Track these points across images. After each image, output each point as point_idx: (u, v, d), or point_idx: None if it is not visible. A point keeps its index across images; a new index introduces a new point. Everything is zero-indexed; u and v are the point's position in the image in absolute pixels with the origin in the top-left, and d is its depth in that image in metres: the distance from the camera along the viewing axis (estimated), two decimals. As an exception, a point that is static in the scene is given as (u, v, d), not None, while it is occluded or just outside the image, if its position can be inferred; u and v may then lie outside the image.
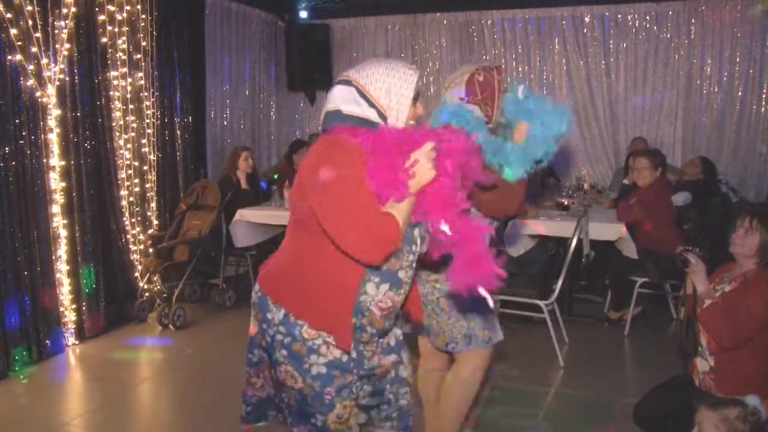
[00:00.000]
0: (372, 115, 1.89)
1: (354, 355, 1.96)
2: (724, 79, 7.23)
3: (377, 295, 1.93)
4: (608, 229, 5.02)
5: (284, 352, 1.94)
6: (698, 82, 7.35)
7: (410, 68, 1.94)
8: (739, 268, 2.88)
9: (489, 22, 7.93)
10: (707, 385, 2.88)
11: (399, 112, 1.91)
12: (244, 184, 6.05)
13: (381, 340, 2.09)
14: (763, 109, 7.10)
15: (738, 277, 2.85)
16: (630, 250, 4.97)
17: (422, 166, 1.83)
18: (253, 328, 2.08)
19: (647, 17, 7.42)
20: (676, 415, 2.81)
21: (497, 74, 2.66)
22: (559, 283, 4.33)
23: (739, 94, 7.17)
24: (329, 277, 1.90)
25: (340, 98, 1.92)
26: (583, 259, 4.87)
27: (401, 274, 1.97)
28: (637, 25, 7.47)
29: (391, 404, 2.15)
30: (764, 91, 7.08)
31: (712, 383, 2.85)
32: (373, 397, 2.08)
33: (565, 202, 5.44)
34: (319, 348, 1.92)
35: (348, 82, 1.93)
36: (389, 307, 1.98)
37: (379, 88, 1.90)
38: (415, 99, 1.94)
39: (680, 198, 5.43)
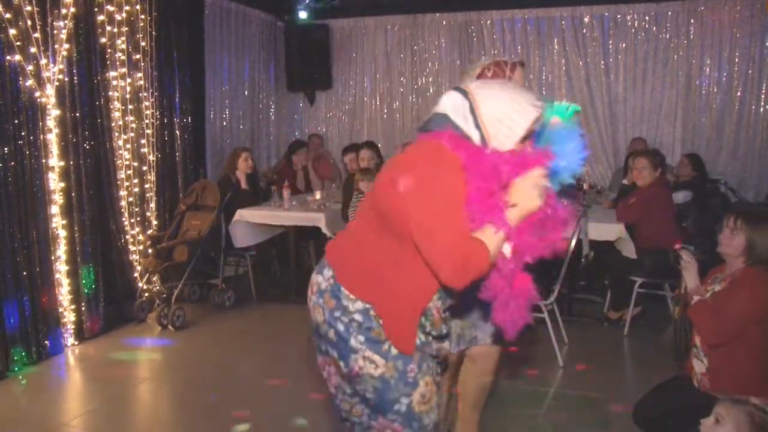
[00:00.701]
0: (474, 135, 1.80)
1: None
2: (723, 79, 7.26)
3: (437, 300, 1.92)
4: (607, 230, 5.02)
5: (361, 337, 1.87)
6: (697, 82, 7.37)
7: (535, 105, 1.83)
8: (729, 268, 2.90)
9: (488, 22, 7.95)
10: (705, 385, 2.88)
11: (502, 145, 1.81)
12: (243, 185, 6.05)
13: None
14: (762, 109, 7.12)
15: (728, 277, 2.86)
16: (629, 250, 4.97)
17: (527, 195, 1.77)
18: (318, 315, 1.96)
19: (646, 17, 7.44)
20: (675, 415, 2.81)
21: (510, 71, 2.50)
22: (559, 283, 4.33)
23: (738, 94, 7.19)
24: (409, 285, 1.85)
25: (452, 105, 1.84)
26: (583, 260, 4.87)
27: None
28: (636, 25, 7.49)
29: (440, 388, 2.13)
30: (763, 91, 7.10)
31: (708, 384, 2.85)
32: (438, 375, 2.03)
33: (565, 203, 5.42)
34: None
35: (465, 93, 1.84)
36: (444, 312, 1.97)
37: (492, 114, 1.80)
38: (526, 138, 1.84)
39: (680, 196, 5.44)
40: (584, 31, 7.62)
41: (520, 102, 1.81)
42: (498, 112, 1.80)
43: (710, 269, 3.05)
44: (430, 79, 8.28)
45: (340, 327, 1.89)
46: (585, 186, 6.39)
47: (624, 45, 7.53)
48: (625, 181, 5.79)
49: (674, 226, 4.92)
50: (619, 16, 7.51)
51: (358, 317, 1.87)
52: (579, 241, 4.54)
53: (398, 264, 1.86)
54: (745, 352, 2.76)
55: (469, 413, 2.97)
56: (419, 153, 1.83)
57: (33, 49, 4.37)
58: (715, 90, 7.31)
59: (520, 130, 1.81)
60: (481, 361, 2.80)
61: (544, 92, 7.88)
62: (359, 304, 1.87)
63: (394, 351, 1.86)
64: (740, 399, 2.28)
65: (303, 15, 8.27)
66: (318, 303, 1.97)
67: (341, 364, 1.93)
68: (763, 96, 7.11)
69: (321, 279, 1.98)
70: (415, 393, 1.89)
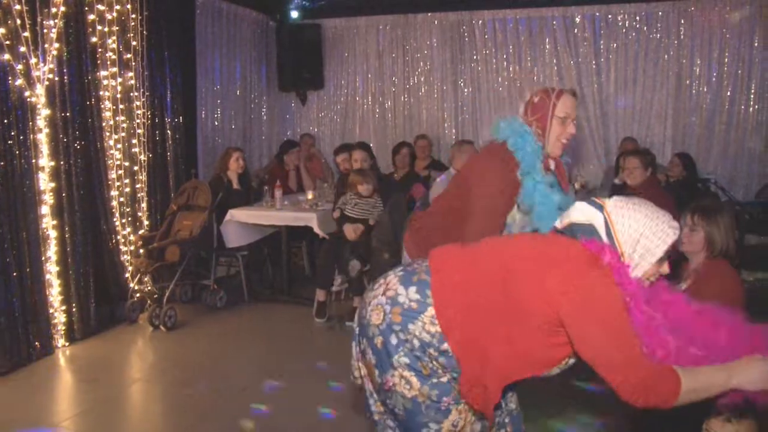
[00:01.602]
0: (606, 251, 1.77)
1: None
2: (713, 79, 7.29)
3: None
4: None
5: (406, 360, 1.84)
6: (687, 82, 7.41)
7: (672, 226, 1.81)
8: (691, 265, 2.93)
9: (480, 22, 7.96)
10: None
11: (638, 267, 1.80)
12: (235, 185, 6.03)
13: None
14: (751, 108, 7.17)
15: (691, 273, 2.89)
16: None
17: (753, 378, 1.70)
18: (376, 318, 1.90)
19: (637, 17, 7.47)
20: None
21: (556, 98, 2.52)
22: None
23: (728, 94, 7.24)
24: (512, 363, 1.82)
25: (593, 218, 1.82)
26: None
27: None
28: (627, 25, 7.51)
29: (502, 409, 2.07)
30: (753, 91, 7.15)
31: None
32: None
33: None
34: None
35: (601, 208, 1.83)
36: None
37: (629, 234, 1.78)
38: (663, 259, 1.82)
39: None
40: (575, 31, 7.64)
41: (658, 222, 1.79)
42: (635, 234, 1.78)
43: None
44: (422, 79, 8.26)
45: (393, 340, 1.85)
46: (577, 185, 6.41)
47: (615, 45, 7.56)
48: (616, 181, 5.81)
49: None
50: (610, 16, 7.53)
51: (417, 343, 1.83)
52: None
53: (510, 341, 1.80)
54: None
55: None
56: (586, 279, 1.73)
57: (22, 48, 4.34)
58: (705, 90, 7.35)
59: (658, 252, 1.79)
60: None
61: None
62: (434, 339, 1.82)
63: (434, 379, 1.83)
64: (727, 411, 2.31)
65: (295, 14, 8.25)
66: (383, 306, 1.91)
67: (376, 372, 1.90)
68: (752, 96, 7.16)
69: (403, 291, 1.91)
70: (446, 422, 1.85)
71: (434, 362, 1.84)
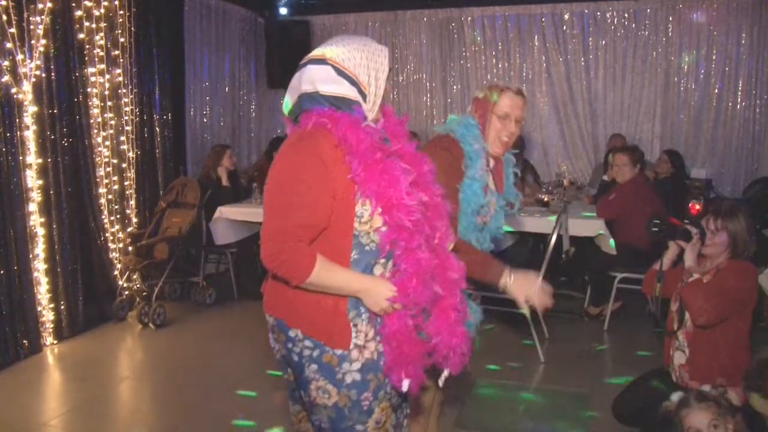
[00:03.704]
0: (352, 93, 1.80)
1: (380, 349, 1.86)
2: (701, 76, 7.34)
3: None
4: (588, 225, 5.06)
5: (314, 366, 1.83)
6: (676, 79, 7.46)
7: (378, 44, 1.88)
8: (711, 262, 2.94)
9: (469, 19, 7.98)
10: (684, 377, 2.92)
11: (377, 88, 1.84)
12: (225, 182, 6.02)
13: None
14: (738, 105, 7.23)
15: (711, 269, 2.91)
16: (609, 246, 5.01)
17: (374, 302, 1.79)
18: (280, 349, 1.94)
19: (626, 15, 7.51)
20: (654, 409, 2.85)
21: (498, 96, 2.50)
22: (539, 279, 4.34)
23: (716, 91, 7.29)
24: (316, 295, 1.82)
25: (318, 78, 1.81)
26: (563, 255, 4.91)
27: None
28: (615, 22, 7.55)
29: (409, 401, 2.09)
30: (740, 88, 7.21)
31: (687, 375, 2.90)
32: (398, 396, 1.97)
33: (545, 199, 5.47)
34: (350, 353, 1.82)
35: (322, 61, 1.82)
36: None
37: (358, 65, 1.81)
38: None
39: None
40: (564, 28, 7.67)
41: (370, 44, 1.85)
42: (362, 61, 1.82)
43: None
44: (412, 76, 8.28)
45: (295, 358, 1.87)
46: (565, 182, 6.44)
47: (604, 42, 7.59)
48: (605, 178, 5.84)
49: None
50: (598, 14, 7.57)
51: (308, 343, 1.83)
52: (559, 237, 4.57)
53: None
54: (725, 343, 2.84)
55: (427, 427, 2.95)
56: (288, 143, 1.82)
57: (9, 45, 4.31)
58: (693, 87, 7.40)
59: (385, 67, 1.85)
60: None
61: (524, 88, 7.91)
62: (299, 333, 1.84)
63: (347, 379, 1.83)
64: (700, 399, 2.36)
65: (283, 11, 8.23)
66: (273, 338, 1.95)
67: (302, 392, 1.93)
68: (740, 93, 7.21)
69: (267, 315, 1.95)
70: (370, 420, 1.86)
71: (317, 341, 1.84)
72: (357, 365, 1.83)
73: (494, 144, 2.52)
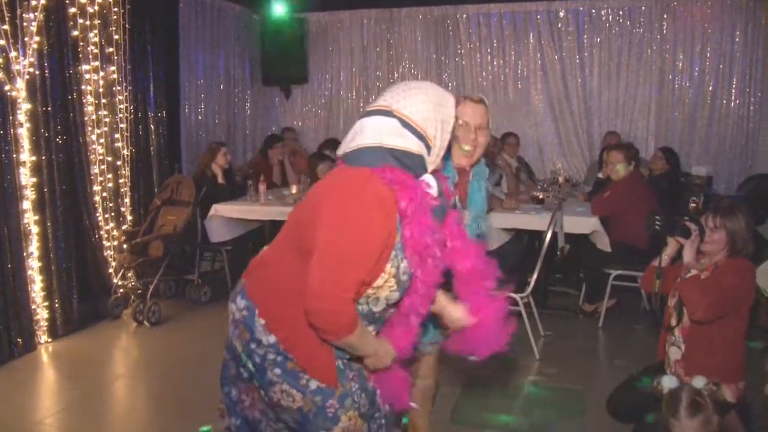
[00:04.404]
0: (416, 146, 1.74)
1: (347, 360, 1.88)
2: (696, 74, 7.36)
3: None
4: (582, 223, 5.06)
5: (278, 371, 1.81)
6: (670, 77, 7.48)
7: (445, 91, 1.83)
8: (710, 259, 2.95)
9: (464, 16, 7.98)
10: (679, 373, 2.93)
11: (443, 141, 1.80)
12: (220, 179, 6.01)
13: None
14: (732, 103, 7.25)
15: (709, 266, 2.92)
16: (604, 243, 5.02)
17: (379, 359, 1.87)
18: (238, 345, 1.91)
19: (620, 12, 7.53)
20: (648, 405, 2.86)
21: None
22: (535, 276, 4.36)
23: (710, 89, 7.32)
24: None
25: (384, 131, 1.73)
26: (558, 252, 4.91)
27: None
28: (610, 20, 7.57)
29: (382, 411, 2.05)
30: (734, 85, 7.24)
31: (682, 371, 2.91)
32: (371, 407, 1.95)
33: (540, 196, 5.48)
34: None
35: (388, 113, 1.75)
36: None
37: (426, 118, 1.75)
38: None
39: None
40: (559, 25, 7.69)
41: (435, 93, 1.79)
42: (427, 113, 1.75)
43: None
44: (407, 73, 8.28)
45: (257, 359, 1.84)
46: (560, 180, 6.45)
47: (599, 40, 7.61)
48: (600, 175, 5.85)
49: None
50: (593, 11, 7.59)
51: (273, 350, 1.82)
52: (554, 234, 4.58)
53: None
54: (722, 341, 2.85)
55: (418, 421, 2.95)
56: (350, 186, 1.72)
57: (2, 42, 4.28)
58: (688, 84, 7.42)
59: (450, 119, 1.81)
60: (421, 365, 2.77)
61: (519, 86, 7.95)
62: (272, 338, 1.82)
63: (312, 385, 1.81)
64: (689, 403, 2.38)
65: (278, 8, 8.21)
66: (234, 334, 1.92)
67: (262, 393, 1.89)
68: (734, 90, 7.24)
69: (235, 308, 1.93)
70: (335, 428, 1.83)
71: (292, 356, 1.83)
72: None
73: (456, 155, 2.50)
